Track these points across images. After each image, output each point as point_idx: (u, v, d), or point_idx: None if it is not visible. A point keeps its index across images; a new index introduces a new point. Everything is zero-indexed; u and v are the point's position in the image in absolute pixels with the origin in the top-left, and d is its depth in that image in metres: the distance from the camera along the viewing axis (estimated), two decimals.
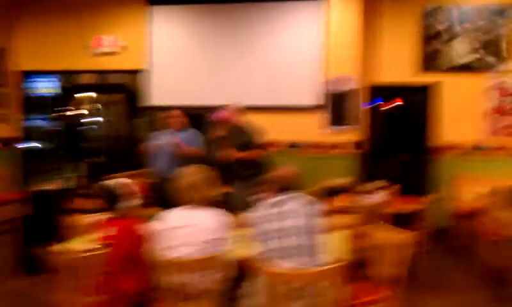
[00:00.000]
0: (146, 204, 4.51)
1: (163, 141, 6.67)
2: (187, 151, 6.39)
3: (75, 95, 9.86)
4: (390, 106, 8.81)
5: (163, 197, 5.15)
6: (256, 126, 6.46)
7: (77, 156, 8.75)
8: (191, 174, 3.50)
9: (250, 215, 3.50)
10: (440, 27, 8.26)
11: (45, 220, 6.00)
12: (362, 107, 8.38)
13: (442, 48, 8.27)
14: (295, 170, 3.54)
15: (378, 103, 8.68)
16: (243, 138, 6.20)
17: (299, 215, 3.30)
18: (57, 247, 3.53)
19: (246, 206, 5.94)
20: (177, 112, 6.71)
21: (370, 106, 8.52)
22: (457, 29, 8.21)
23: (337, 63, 8.17)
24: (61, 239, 4.42)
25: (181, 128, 6.61)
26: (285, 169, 3.54)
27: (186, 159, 6.13)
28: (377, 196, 5.96)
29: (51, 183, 6.48)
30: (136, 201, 3.74)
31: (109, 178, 3.91)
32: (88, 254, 3.48)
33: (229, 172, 6.19)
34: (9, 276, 6.02)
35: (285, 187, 3.45)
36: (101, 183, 3.84)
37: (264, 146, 6.30)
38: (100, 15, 9.16)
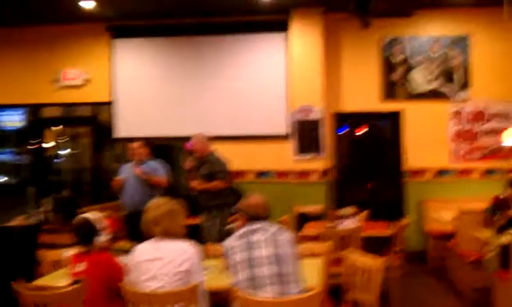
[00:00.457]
0: (116, 238, 4.45)
1: (127, 173, 6.60)
2: (151, 179, 6.36)
3: (41, 128, 9.69)
4: (356, 133, 8.98)
5: (134, 230, 5.11)
6: (222, 156, 6.46)
7: (43, 190, 8.56)
8: (155, 207, 3.49)
9: (220, 245, 3.49)
10: (398, 58, 8.53)
11: (11, 257, 5.84)
12: (335, 132, 8.52)
13: (402, 77, 8.53)
14: (263, 198, 3.55)
15: (344, 131, 8.83)
16: (208, 168, 6.20)
17: (268, 245, 3.31)
18: (27, 284, 3.43)
19: (214, 236, 5.97)
20: (137, 144, 6.63)
21: (337, 133, 8.65)
22: (415, 59, 8.49)
23: (302, 93, 8.33)
24: (30, 276, 4.31)
25: (143, 159, 6.54)
26: (253, 198, 3.55)
27: (153, 190, 6.12)
28: (348, 222, 6.01)
29: (16, 219, 6.32)
30: (107, 235, 3.70)
31: (81, 212, 3.85)
32: (60, 290, 3.40)
33: (196, 203, 6.19)
34: None
35: (254, 216, 3.46)
36: (78, 216, 3.78)
37: (228, 175, 6.30)
38: (64, 48, 9.10)
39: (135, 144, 6.65)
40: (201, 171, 6.17)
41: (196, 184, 6.14)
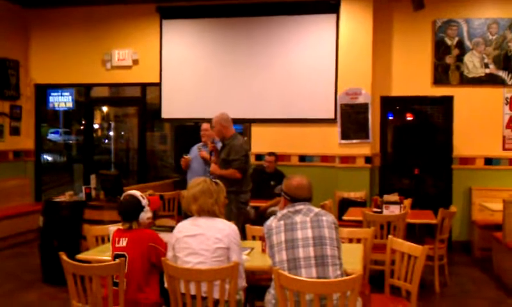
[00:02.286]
0: (157, 217, 4.51)
1: (194, 153, 6.85)
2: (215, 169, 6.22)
3: (90, 108, 9.93)
4: (405, 118, 8.77)
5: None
6: (243, 142, 6.05)
7: (91, 168, 8.79)
8: (194, 185, 3.55)
9: (258, 227, 3.47)
10: (450, 42, 8.23)
11: (59, 232, 6.02)
12: (383, 117, 8.36)
13: (453, 62, 8.24)
14: (306, 180, 3.50)
15: (392, 115, 8.64)
16: (226, 153, 5.83)
17: (312, 226, 3.27)
18: (72, 258, 3.52)
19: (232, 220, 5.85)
20: (206, 125, 6.74)
21: (386, 118, 8.47)
22: (468, 43, 8.19)
23: (351, 76, 8.17)
24: (76, 250, 4.43)
25: (211, 141, 6.51)
26: (296, 179, 3.49)
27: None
28: (393, 208, 5.90)
29: (64, 195, 6.50)
30: (150, 212, 3.76)
31: (125, 191, 3.92)
32: (102, 264, 3.47)
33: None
34: (28, 287, 6.03)
35: (297, 197, 3.41)
36: (124, 194, 3.88)
37: (245, 165, 5.84)
38: (114, 29, 9.26)
39: (204, 125, 6.77)
40: (221, 155, 5.92)
41: (214, 168, 5.86)
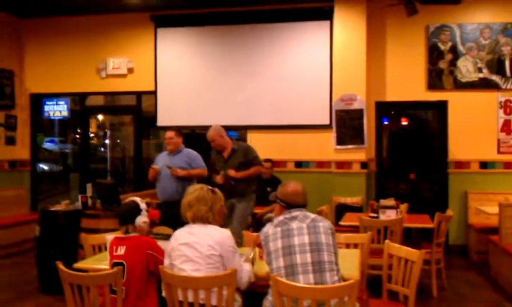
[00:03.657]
0: (154, 224, 4.51)
1: (162, 163, 6.39)
2: (190, 174, 6.24)
3: (86, 117, 9.91)
4: (400, 123, 8.80)
5: (167, 219, 5.15)
6: (246, 143, 6.36)
7: (87, 177, 8.77)
8: (191, 192, 3.56)
9: (255, 233, 3.48)
10: (444, 47, 8.28)
11: (56, 241, 6.00)
12: (378, 122, 8.40)
13: (447, 67, 8.28)
14: (301, 186, 3.51)
15: (387, 121, 8.67)
16: (240, 157, 6.08)
17: (309, 232, 3.27)
18: (69, 267, 3.51)
19: (247, 220, 5.99)
20: (170, 134, 6.40)
21: (380, 123, 8.50)
22: (461, 48, 8.24)
23: (345, 81, 8.20)
24: (73, 259, 4.41)
25: (175, 149, 6.35)
26: (291, 185, 3.50)
27: (186, 181, 6.00)
28: (390, 213, 5.91)
29: (60, 204, 6.49)
30: (146, 218, 3.75)
31: (122, 199, 3.93)
32: (99, 273, 3.46)
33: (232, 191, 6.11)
34: (25, 297, 6.01)
35: (293, 203, 3.42)
36: (125, 200, 3.90)
37: (259, 159, 6.20)
38: (109, 38, 9.28)
39: (168, 134, 6.41)
40: (230, 164, 6.00)
41: (233, 173, 5.96)
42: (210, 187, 3.62)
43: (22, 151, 9.62)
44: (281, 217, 3.39)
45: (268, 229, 3.38)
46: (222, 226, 3.54)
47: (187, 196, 3.54)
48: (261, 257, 3.82)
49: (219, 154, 6.18)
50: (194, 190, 3.56)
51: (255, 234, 4.02)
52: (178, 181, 6.14)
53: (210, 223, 3.47)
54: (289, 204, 3.42)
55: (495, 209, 6.56)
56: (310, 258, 3.20)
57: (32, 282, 6.34)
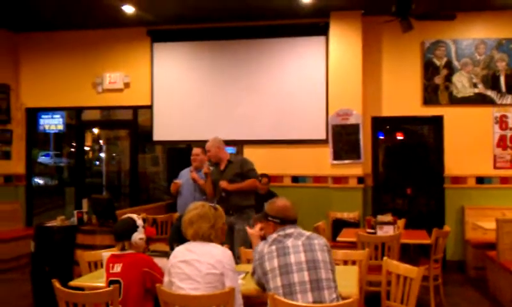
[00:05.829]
0: (151, 240, 4.48)
1: (185, 178, 6.78)
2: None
3: (82, 131, 9.90)
4: (396, 138, 8.82)
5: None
6: (243, 157, 6.37)
7: (82, 192, 8.73)
8: (192, 209, 3.50)
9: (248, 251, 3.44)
10: (439, 62, 8.33)
11: (51, 257, 5.95)
12: (374, 137, 8.41)
13: (442, 82, 8.32)
14: (289, 201, 3.48)
15: (383, 136, 8.69)
16: (235, 169, 6.02)
17: (305, 250, 3.25)
18: (64, 284, 3.48)
19: (247, 239, 5.90)
20: (196, 151, 6.75)
21: (376, 138, 8.51)
22: (456, 63, 8.28)
23: (341, 96, 8.22)
24: (68, 276, 4.38)
25: (200, 166, 6.56)
26: (280, 201, 3.46)
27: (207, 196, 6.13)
28: (387, 229, 5.90)
29: (56, 219, 6.45)
30: (142, 234, 3.73)
31: (119, 214, 3.91)
32: (96, 292, 3.43)
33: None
34: None
35: (285, 219, 3.39)
36: (121, 217, 3.89)
37: (255, 172, 6.09)
38: (105, 52, 9.28)
39: (195, 150, 6.77)
40: (225, 176, 5.93)
41: (225, 184, 5.85)
42: (212, 204, 3.59)
43: (17, 166, 9.58)
44: (274, 235, 3.35)
45: (263, 248, 3.34)
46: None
47: (188, 213, 3.48)
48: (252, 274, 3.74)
49: (216, 166, 6.15)
50: (196, 207, 3.51)
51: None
52: (200, 195, 6.35)
53: (211, 241, 3.41)
54: (282, 220, 3.38)
55: (491, 224, 6.56)
56: (307, 276, 3.17)
57: (27, 298, 6.27)
